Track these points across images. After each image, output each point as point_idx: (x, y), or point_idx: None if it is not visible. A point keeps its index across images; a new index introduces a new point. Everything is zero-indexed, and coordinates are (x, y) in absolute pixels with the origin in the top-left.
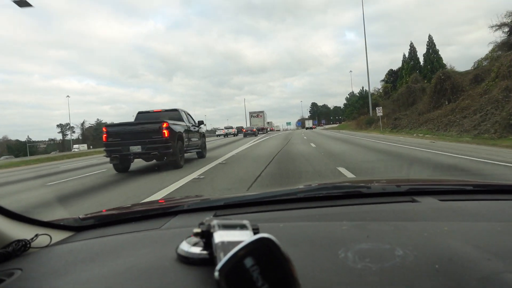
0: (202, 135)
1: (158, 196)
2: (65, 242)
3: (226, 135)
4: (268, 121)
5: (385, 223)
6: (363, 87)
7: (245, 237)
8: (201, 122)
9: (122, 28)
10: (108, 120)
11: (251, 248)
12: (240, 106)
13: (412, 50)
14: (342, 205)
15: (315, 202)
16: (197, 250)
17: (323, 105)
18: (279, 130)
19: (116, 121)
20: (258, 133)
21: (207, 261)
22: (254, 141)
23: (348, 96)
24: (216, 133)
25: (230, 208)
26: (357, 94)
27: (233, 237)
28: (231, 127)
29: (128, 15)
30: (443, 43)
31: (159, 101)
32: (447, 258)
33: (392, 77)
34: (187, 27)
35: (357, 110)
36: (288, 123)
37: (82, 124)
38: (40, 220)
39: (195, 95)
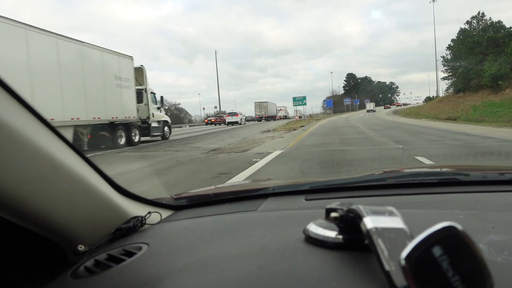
0: None
1: None
2: (172, 220)
3: None
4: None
5: (506, 213)
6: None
7: (397, 224)
8: None
9: (140, 10)
10: None
11: (438, 237)
12: (264, 89)
13: None
14: (441, 193)
15: (407, 189)
16: (332, 234)
17: (364, 77)
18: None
19: None
20: None
21: (340, 246)
22: None
23: (452, 44)
24: None
25: (318, 192)
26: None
27: (387, 223)
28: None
29: None
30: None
31: (183, 84)
32: None
33: None
34: (206, 8)
35: None
36: (298, 100)
37: None
38: (145, 198)
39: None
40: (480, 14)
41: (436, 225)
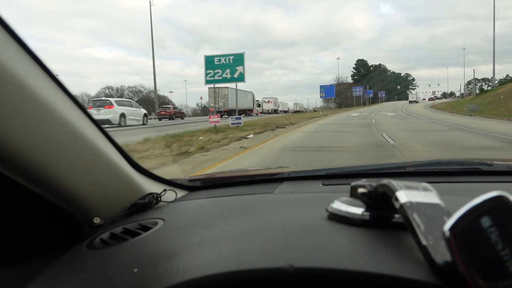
0: None
1: None
2: (187, 199)
3: None
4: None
5: None
6: None
7: (432, 199)
8: None
9: None
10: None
11: (486, 207)
12: (270, 81)
13: None
14: (463, 182)
15: (427, 177)
16: (358, 211)
17: (378, 65)
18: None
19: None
20: None
21: (367, 223)
22: None
23: None
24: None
25: (335, 178)
26: None
27: (422, 198)
28: None
29: None
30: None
31: (189, 73)
32: None
33: None
34: None
35: None
36: (213, 65)
37: None
38: (160, 176)
39: None
40: None
41: (483, 194)
